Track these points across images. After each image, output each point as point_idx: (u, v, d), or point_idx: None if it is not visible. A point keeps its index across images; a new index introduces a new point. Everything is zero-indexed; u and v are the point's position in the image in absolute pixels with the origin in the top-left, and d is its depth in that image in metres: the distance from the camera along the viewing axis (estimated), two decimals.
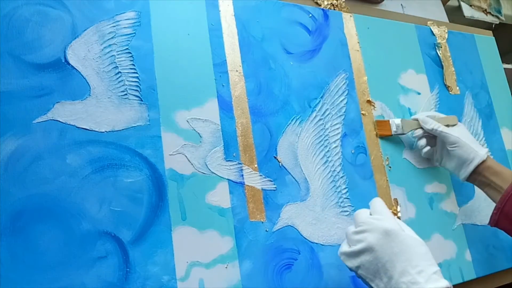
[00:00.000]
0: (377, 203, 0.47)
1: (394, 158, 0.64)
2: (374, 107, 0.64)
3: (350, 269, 0.44)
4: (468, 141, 0.60)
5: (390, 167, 0.63)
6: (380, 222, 0.42)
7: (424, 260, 0.40)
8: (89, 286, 0.40)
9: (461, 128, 0.63)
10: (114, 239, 0.42)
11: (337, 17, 0.66)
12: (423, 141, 0.64)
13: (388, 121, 0.63)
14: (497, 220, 0.57)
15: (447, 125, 0.63)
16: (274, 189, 0.53)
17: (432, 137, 0.64)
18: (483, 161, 0.59)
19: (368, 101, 0.64)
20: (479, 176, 0.60)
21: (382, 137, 0.64)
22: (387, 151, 0.64)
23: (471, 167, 0.59)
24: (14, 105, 0.41)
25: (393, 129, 0.62)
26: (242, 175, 0.51)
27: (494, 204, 0.57)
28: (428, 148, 0.64)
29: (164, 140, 0.47)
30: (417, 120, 0.64)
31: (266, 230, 0.51)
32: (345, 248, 0.44)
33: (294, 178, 0.55)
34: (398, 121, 0.62)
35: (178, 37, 0.52)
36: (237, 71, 0.54)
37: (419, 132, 0.64)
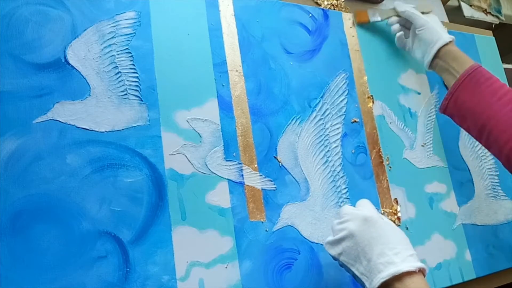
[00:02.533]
0: (363, 200, 0.49)
1: (394, 158, 0.64)
2: (373, 102, 0.65)
3: (334, 258, 0.46)
4: (435, 25, 0.61)
5: (390, 167, 0.63)
6: (360, 211, 0.45)
7: (401, 244, 0.42)
8: (89, 286, 0.40)
9: (432, 16, 0.64)
10: (114, 239, 0.42)
11: (337, 17, 0.66)
12: (396, 26, 0.66)
13: (366, 10, 0.67)
14: (446, 105, 0.58)
15: (422, 12, 0.64)
16: (274, 189, 0.53)
17: (407, 28, 0.66)
18: (445, 44, 0.59)
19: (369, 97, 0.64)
20: (440, 61, 0.60)
21: (360, 25, 0.67)
22: (387, 151, 0.64)
23: (434, 50, 0.59)
24: (14, 105, 0.41)
25: (370, 15, 0.65)
26: (242, 175, 0.51)
27: (494, 202, 0.57)
28: (400, 33, 0.66)
29: (164, 140, 0.47)
30: (393, 8, 0.66)
31: (266, 230, 0.51)
32: (329, 238, 0.46)
33: (294, 178, 0.55)
34: (375, 10, 0.66)
35: (178, 37, 0.52)
36: (237, 71, 0.54)
37: (393, 18, 0.66)
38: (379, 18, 0.66)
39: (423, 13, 0.64)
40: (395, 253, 0.41)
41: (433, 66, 0.62)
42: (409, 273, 0.40)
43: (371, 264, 0.41)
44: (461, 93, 0.57)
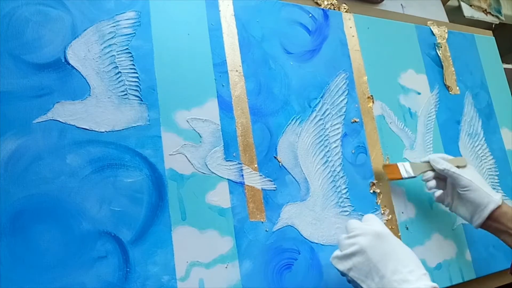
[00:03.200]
0: (369, 215, 0.50)
1: (394, 158, 0.64)
2: (373, 102, 0.64)
3: (342, 273, 0.45)
4: (481, 184, 0.56)
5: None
6: (371, 227, 0.45)
7: (413, 262, 0.43)
8: (89, 286, 0.40)
9: (472, 171, 0.60)
10: (114, 239, 0.42)
11: (337, 17, 0.66)
12: (432, 183, 0.60)
13: (396, 165, 0.60)
14: None
15: (458, 167, 0.59)
16: (274, 189, 0.53)
17: (441, 180, 0.61)
18: (499, 207, 0.55)
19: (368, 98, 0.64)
20: (494, 223, 0.55)
21: (393, 180, 0.62)
22: (387, 151, 0.64)
23: (485, 213, 0.55)
24: (14, 105, 0.41)
25: (403, 173, 0.59)
26: (242, 175, 0.51)
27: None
28: (440, 192, 0.61)
29: (164, 140, 0.47)
30: (427, 162, 0.61)
31: (266, 230, 0.51)
32: (337, 252, 0.46)
33: (294, 178, 0.55)
34: (407, 165, 0.60)
35: (178, 37, 0.52)
36: (237, 71, 0.54)
37: (429, 174, 0.60)
38: (412, 174, 0.59)
39: (458, 167, 0.59)
40: (409, 271, 0.41)
41: (485, 227, 0.57)
42: None
43: (384, 281, 0.41)
44: None
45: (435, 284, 0.41)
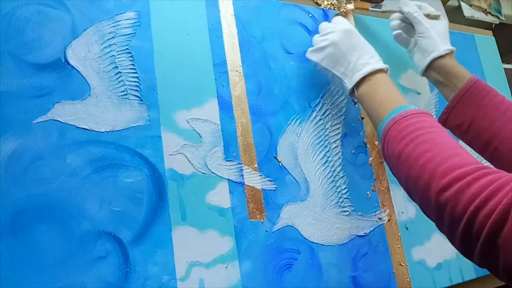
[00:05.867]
0: (338, 17, 0.58)
1: None
2: None
3: (315, 64, 0.56)
4: (436, 34, 0.58)
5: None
6: (341, 25, 0.54)
7: (373, 51, 0.53)
8: (89, 286, 0.40)
9: (439, 22, 0.60)
10: (114, 239, 0.42)
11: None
12: (395, 23, 0.63)
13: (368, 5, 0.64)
14: (445, 118, 0.56)
15: (428, 15, 0.60)
16: (274, 189, 0.53)
17: (410, 27, 0.62)
18: (441, 57, 0.57)
19: None
20: (433, 73, 0.58)
21: (358, 10, 0.65)
22: None
23: (427, 60, 0.57)
24: (14, 105, 0.41)
25: (370, 7, 0.62)
26: (242, 175, 0.51)
27: None
28: (398, 31, 0.63)
29: (164, 140, 0.47)
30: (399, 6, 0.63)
31: (266, 230, 0.51)
32: (312, 48, 0.56)
33: (294, 178, 0.55)
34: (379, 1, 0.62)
35: (178, 37, 0.52)
36: (237, 71, 0.54)
37: (395, 14, 0.63)
38: (380, 9, 0.62)
39: (428, 16, 0.60)
40: (370, 57, 0.51)
41: (426, 76, 0.60)
42: (378, 71, 0.50)
43: (350, 66, 0.51)
44: (462, 107, 0.55)
45: (387, 66, 0.51)
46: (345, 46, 0.52)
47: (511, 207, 0.31)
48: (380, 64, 0.51)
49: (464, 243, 0.35)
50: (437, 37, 0.58)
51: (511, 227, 0.30)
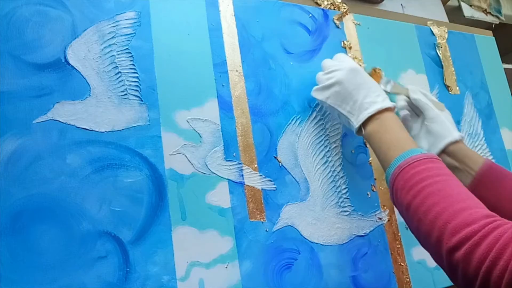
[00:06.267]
0: (341, 54, 0.57)
1: None
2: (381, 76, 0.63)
3: (320, 102, 0.56)
4: (447, 121, 0.58)
5: None
6: (346, 63, 0.54)
7: (379, 90, 0.52)
8: (89, 286, 0.40)
9: (445, 113, 0.61)
10: (114, 239, 0.42)
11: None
12: (403, 103, 0.62)
13: (381, 75, 0.63)
14: None
15: (434, 104, 0.60)
16: (274, 189, 0.53)
17: (415, 111, 0.62)
18: (456, 142, 0.56)
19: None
20: (447, 158, 0.57)
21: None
22: None
23: (442, 144, 0.56)
24: (14, 105, 0.41)
25: (382, 82, 0.60)
26: (242, 175, 0.51)
27: None
28: (406, 112, 0.61)
29: (164, 140, 0.47)
30: (407, 89, 0.62)
31: (266, 230, 0.51)
32: (317, 86, 0.55)
33: (294, 178, 0.55)
34: (392, 82, 0.61)
35: (178, 37, 0.52)
36: (237, 71, 0.54)
37: (402, 98, 0.62)
38: (388, 90, 0.60)
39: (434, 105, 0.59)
40: (377, 95, 0.51)
41: None
42: (385, 110, 0.50)
43: (357, 104, 0.51)
44: (480, 191, 0.53)
45: (394, 104, 0.51)
46: (352, 84, 0.51)
47: None
48: (387, 103, 0.50)
49: None
50: (448, 123, 0.58)
51: None
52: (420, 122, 0.61)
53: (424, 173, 0.41)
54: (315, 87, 0.56)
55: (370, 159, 0.62)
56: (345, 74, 0.52)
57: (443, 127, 0.57)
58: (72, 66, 0.45)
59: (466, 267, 0.35)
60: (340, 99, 0.52)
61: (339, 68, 0.53)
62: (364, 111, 0.50)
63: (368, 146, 0.62)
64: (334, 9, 0.67)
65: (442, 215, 0.37)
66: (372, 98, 0.51)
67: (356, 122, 0.51)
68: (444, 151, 0.57)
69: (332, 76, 0.53)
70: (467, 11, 0.98)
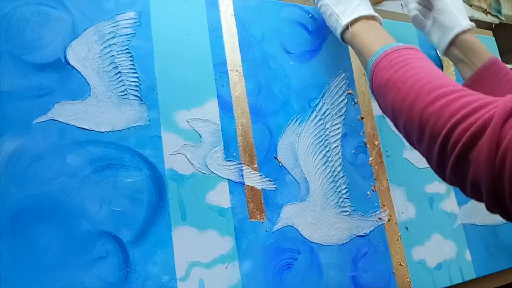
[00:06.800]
0: None
1: (395, 157, 0.64)
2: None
3: (314, 2, 0.58)
4: (456, 10, 0.57)
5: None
6: None
7: (370, 4, 0.54)
8: (89, 286, 0.40)
9: (456, 1, 0.59)
10: (114, 239, 0.42)
11: None
12: (412, 5, 0.61)
13: None
14: None
15: None
16: (274, 189, 0.53)
17: (427, 7, 0.61)
18: (464, 32, 0.55)
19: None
20: (455, 49, 0.57)
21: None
22: (387, 151, 0.64)
23: (449, 36, 0.56)
24: (14, 105, 0.41)
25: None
26: (242, 175, 0.51)
27: None
28: (416, 12, 0.61)
29: (164, 140, 0.47)
30: None
31: (266, 230, 0.51)
32: None
33: (294, 178, 0.55)
34: None
35: (178, 37, 0.52)
36: (237, 71, 0.54)
37: (412, 2, 0.61)
38: None
39: None
40: (370, 7, 0.53)
41: (447, 54, 0.59)
42: (374, 18, 0.53)
43: (351, 7, 0.53)
44: (477, 87, 0.54)
45: (381, 19, 0.54)
46: None
47: (489, 123, 0.31)
48: (377, 15, 0.53)
49: (439, 158, 0.36)
50: (457, 13, 0.57)
51: (484, 143, 0.31)
52: (432, 18, 0.60)
53: (408, 56, 0.43)
54: None
55: (370, 159, 0.62)
56: None
57: (451, 17, 0.57)
58: (72, 66, 0.45)
59: (436, 120, 0.35)
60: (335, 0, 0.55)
61: None
62: (356, 12, 0.53)
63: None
64: None
65: (421, 80, 0.38)
66: (365, 6, 0.54)
67: (345, 20, 0.53)
68: (452, 43, 0.57)
69: None
70: (467, 11, 0.98)
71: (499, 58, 0.55)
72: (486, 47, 0.56)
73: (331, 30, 0.57)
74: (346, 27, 0.53)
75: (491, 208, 0.34)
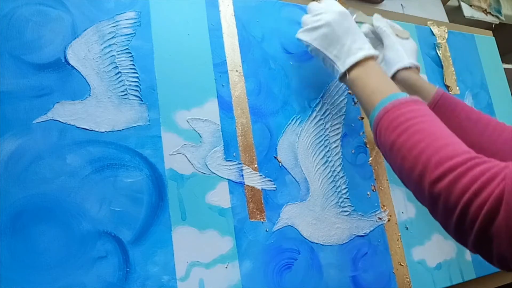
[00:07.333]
0: None
1: None
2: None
3: (306, 44, 0.54)
4: (403, 49, 0.58)
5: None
6: (334, 7, 0.53)
7: (365, 38, 0.53)
8: (89, 286, 0.40)
9: (408, 41, 0.60)
10: (114, 239, 0.42)
11: None
12: (365, 32, 0.62)
13: (346, 6, 0.62)
14: None
15: (397, 35, 0.60)
16: (274, 189, 0.53)
17: (379, 43, 0.62)
18: (405, 69, 0.56)
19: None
20: (398, 84, 0.56)
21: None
22: None
23: (391, 71, 0.57)
24: (14, 105, 0.41)
25: (349, 11, 0.60)
26: (242, 175, 0.51)
27: None
28: (367, 31, 0.62)
29: (164, 140, 0.47)
30: (372, 18, 0.62)
31: (266, 230, 0.51)
32: (304, 28, 0.54)
33: (294, 178, 0.55)
34: (358, 11, 0.61)
35: (178, 37, 0.52)
36: (237, 71, 0.54)
37: (365, 27, 0.62)
38: (355, 19, 0.60)
39: (397, 35, 0.60)
40: (363, 42, 0.51)
41: None
42: (371, 58, 0.50)
43: (345, 49, 0.51)
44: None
45: (378, 53, 0.52)
46: (340, 28, 0.51)
47: (503, 197, 0.31)
48: (373, 51, 0.51)
49: (458, 232, 0.35)
50: (403, 52, 0.58)
51: (503, 218, 0.31)
52: (382, 54, 0.61)
53: (409, 114, 0.41)
54: (301, 29, 0.55)
55: (370, 159, 0.62)
56: (334, 17, 0.51)
57: (397, 54, 0.58)
58: (72, 66, 0.45)
59: (447, 197, 0.35)
60: (327, 42, 0.52)
61: (327, 11, 0.52)
62: (352, 56, 0.50)
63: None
64: None
65: (426, 150, 0.38)
66: (359, 44, 0.51)
67: (342, 67, 0.51)
68: (395, 79, 0.57)
69: (320, 19, 0.52)
70: (467, 11, 0.98)
71: (444, 91, 0.55)
72: (488, 52, 0.56)
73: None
74: (344, 74, 0.51)
75: None
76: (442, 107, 0.54)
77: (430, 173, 0.36)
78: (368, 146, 0.62)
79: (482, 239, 0.33)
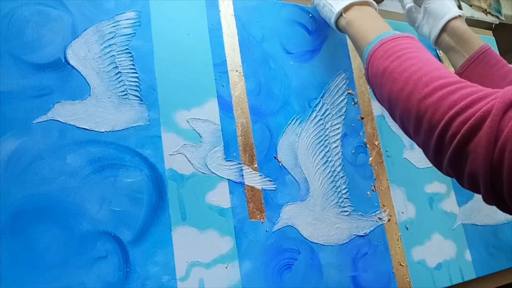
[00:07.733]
0: None
1: (395, 158, 0.64)
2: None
3: None
4: None
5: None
6: None
7: None
8: (89, 286, 0.40)
9: None
10: (114, 239, 0.42)
11: None
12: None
13: None
14: None
15: None
16: (274, 189, 0.53)
17: (418, 4, 0.62)
18: (455, 18, 0.56)
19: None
20: (446, 37, 0.56)
21: None
22: (387, 151, 0.64)
23: (441, 23, 0.56)
24: (14, 105, 0.41)
25: None
26: (242, 175, 0.51)
27: None
28: (410, 4, 0.62)
29: (164, 140, 0.47)
30: None
31: (266, 230, 0.51)
32: None
33: (294, 178, 0.55)
34: None
35: (178, 37, 0.52)
36: (237, 71, 0.54)
37: None
38: None
39: None
40: None
41: (438, 43, 0.58)
42: (367, 3, 0.52)
43: None
44: (469, 75, 0.54)
45: (375, 3, 0.53)
46: None
47: (488, 115, 0.31)
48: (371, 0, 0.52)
49: (437, 149, 0.35)
50: (448, 1, 0.57)
51: (483, 135, 0.31)
52: (423, 8, 0.60)
53: (405, 45, 0.42)
54: None
55: (370, 159, 0.62)
56: None
57: (443, 5, 0.57)
58: (72, 66, 0.45)
59: (434, 112, 0.35)
60: None
61: None
62: None
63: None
64: None
65: (418, 72, 0.38)
66: None
67: (338, 7, 0.53)
68: (444, 30, 0.56)
69: None
70: (467, 11, 0.98)
71: (490, 47, 0.55)
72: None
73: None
74: (340, 15, 0.52)
75: (488, 200, 0.33)
76: (481, 62, 0.53)
77: (420, 90, 0.36)
78: (368, 146, 0.62)
79: (458, 156, 0.33)
